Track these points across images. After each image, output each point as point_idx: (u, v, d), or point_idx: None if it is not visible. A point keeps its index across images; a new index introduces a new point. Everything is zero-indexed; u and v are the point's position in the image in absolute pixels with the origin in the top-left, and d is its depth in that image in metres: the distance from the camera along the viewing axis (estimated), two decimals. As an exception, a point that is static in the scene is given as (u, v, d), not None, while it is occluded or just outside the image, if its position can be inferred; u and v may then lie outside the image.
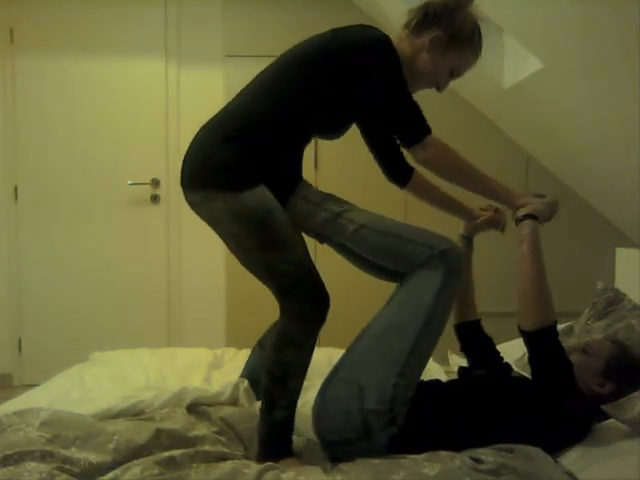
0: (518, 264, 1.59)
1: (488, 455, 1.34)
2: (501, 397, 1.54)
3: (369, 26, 1.59)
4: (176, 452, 1.38)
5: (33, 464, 1.27)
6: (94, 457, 1.33)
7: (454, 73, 1.67)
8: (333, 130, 1.70)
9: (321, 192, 1.67)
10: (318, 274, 1.57)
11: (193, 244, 3.71)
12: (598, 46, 2.06)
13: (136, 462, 1.32)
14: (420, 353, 1.52)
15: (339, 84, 1.55)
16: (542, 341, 1.53)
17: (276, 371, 1.53)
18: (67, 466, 1.29)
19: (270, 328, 1.88)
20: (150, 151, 3.65)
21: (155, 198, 3.66)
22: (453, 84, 3.25)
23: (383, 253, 1.59)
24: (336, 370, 1.57)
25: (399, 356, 1.49)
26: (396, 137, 1.62)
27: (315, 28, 3.75)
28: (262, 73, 1.65)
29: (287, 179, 1.63)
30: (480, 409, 1.51)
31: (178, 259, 3.71)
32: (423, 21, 1.61)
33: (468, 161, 1.60)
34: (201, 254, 3.71)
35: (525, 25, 2.33)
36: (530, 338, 1.55)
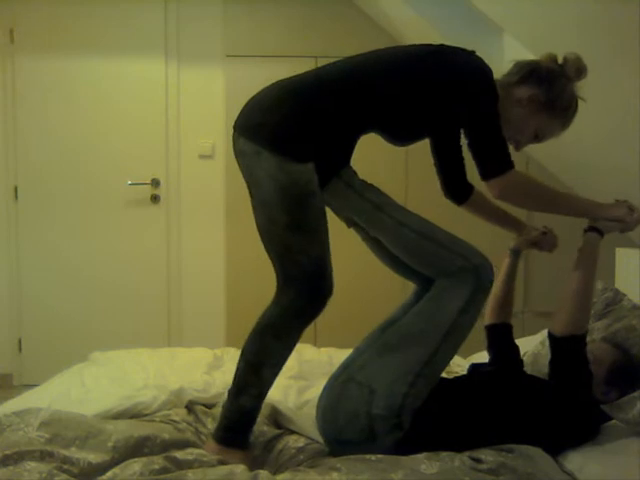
0: (570, 271, 1.59)
1: (488, 455, 1.34)
2: (511, 395, 1.53)
3: (477, 55, 1.61)
4: (175, 452, 1.39)
5: (33, 464, 1.27)
6: (93, 457, 1.33)
7: (538, 136, 1.66)
8: (403, 137, 1.67)
9: (364, 181, 1.65)
10: (330, 275, 1.52)
11: (193, 244, 3.71)
12: (598, 46, 2.06)
13: (135, 460, 1.32)
14: (435, 365, 1.50)
15: (439, 99, 1.54)
16: (569, 348, 1.53)
17: (252, 358, 1.50)
18: (66, 466, 1.29)
19: None
20: (150, 151, 3.65)
21: (155, 198, 3.66)
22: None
23: (416, 254, 1.57)
24: (347, 369, 1.56)
25: (414, 366, 1.48)
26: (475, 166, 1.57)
27: (315, 28, 3.77)
28: (359, 56, 1.61)
29: (337, 162, 1.59)
30: (488, 407, 1.50)
31: (178, 259, 3.71)
32: (527, 76, 1.61)
33: (546, 187, 1.59)
34: (201, 254, 3.71)
35: (525, 25, 2.32)
36: (558, 343, 1.54)
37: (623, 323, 1.90)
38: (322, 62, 3.57)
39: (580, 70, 1.63)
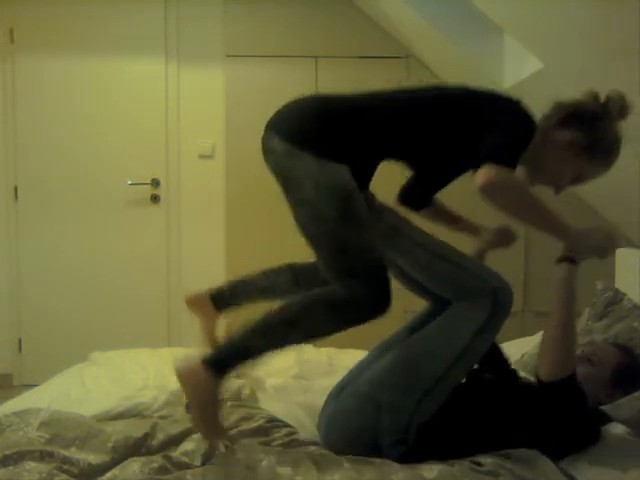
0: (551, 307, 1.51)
1: (487, 458, 1.35)
2: (512, 405, 1.51)
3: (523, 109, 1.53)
4: (173, 451, 1.39)
5: (32, 464, 1.27)
6: (93, 457, 1.33)
7: (579, 180, 1.60)
8: (428, 172, 1.66)
9: (381, 203, 1.64)
10: (387, 273, 1.45)
11: (193, 244, 3.71)
12: (598, 46, 2.06)
13: (134, 459, 1.33)
14: (445, 385, 1.49)
15: (472, 142, 1.47)
16: (559, 392, 1.46)
17: (293, 313, 1.42)
18: (66, 466, 1.29)
19: (309, 265, 1.73)
20: (150, 151, 3.65)
21: (155, 198, 3.66)
22: (454, 83, 3.26)
23: (433, 276, 1.56)
24: (354, 380, 1.55)
25: (423, 384, 1.47)
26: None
27: (315, 28, 3.77)
28: (411, 90, 1.60)
29: (363, 180, 1.56)
30: (491, 418, 1.49)
31: (178, 259, 3.71)
32: (568, 119, 1.54)
33: (539, 201, 1.47)
34: (201, 254, 3.71)
35: (525, 25, 2.32)
36: (547, 388, 1.47)
37: (624, 324, 1.90)
38: (322, 62, 3.58)
39: (624, 109, 1.53)
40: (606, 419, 1.49)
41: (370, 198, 1.61)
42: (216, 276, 3.67)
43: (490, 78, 2.79)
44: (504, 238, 1.79)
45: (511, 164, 1.41)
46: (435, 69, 3.50)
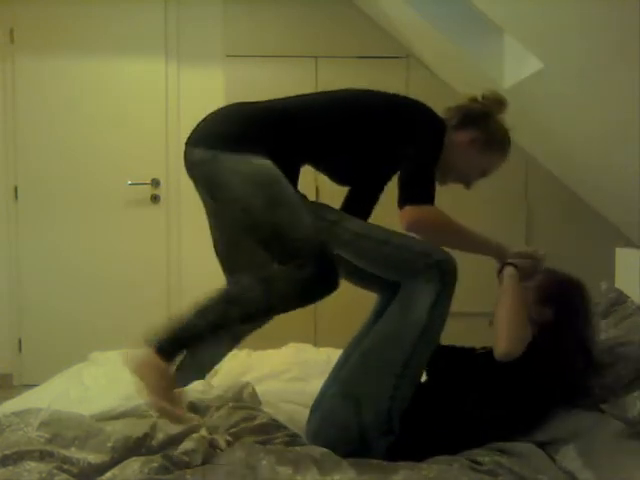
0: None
1: (485, 456, 1.35)
2: (485, 379, 1.55)
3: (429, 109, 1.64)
4: (173, 450, 1.39)
5: (32, 464, 1.27)
6: (93, 457, 1.33)
7: (485, 172, 1.74)
8: (344, 178, 1.74)
9: (314, 202, 1.69)
10: (330, 252, 1.48)
11: (193, 244, 3.70)
12: (598, 46, 2.06)
13: (134, 459, 1.33)
14: (415, 365, 1.53)
15: (388, 147, 1.60)
16: (513, 369, 1.51)
17: (233, 291, 1.48)
18: (66, 466, 1.29)
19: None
20: (150, 151, 3.65)
21: (155, 198, 3.66)
22: (454, 83, 3.26)
23: (379, 262, 1.60)
24: (333, 382, 1.59)
25: (395, 368, 1.50)
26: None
27: (315, 28, 3.76)
28: (321, 94, 1.71)
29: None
30: (468, 395, 1.53)
31: (178, 259, 3.71)
32: (464, 120, 1.67)
33: (458, 226, 1.58)
34: (201, 254, 3.70)
35: (525, 25, 2.32)
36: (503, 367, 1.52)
37: (629, 321, 1.90)
38: (322, 62, 3.58)
39: (501, 104, 1.69)
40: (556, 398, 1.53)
41: (300, 196, 1.64)
42: (216, 276, 3.67)
43: (490, 78, 2.79)
44: None
45: (429, 200, 1.53)
46: (435, 69, 3.51)
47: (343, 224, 1.60)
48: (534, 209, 3.60)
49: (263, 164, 1.48)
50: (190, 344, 1.47)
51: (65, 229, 3.65)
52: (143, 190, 3.65)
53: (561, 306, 1.62)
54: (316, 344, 2.60)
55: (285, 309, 1.48)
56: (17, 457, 1.29)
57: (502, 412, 1.49)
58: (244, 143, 1.50)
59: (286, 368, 2.20)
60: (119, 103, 3.63)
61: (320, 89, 3.52)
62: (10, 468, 1.26)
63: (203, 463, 1.36)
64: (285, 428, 1.58)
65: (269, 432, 1.54)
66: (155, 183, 3.65)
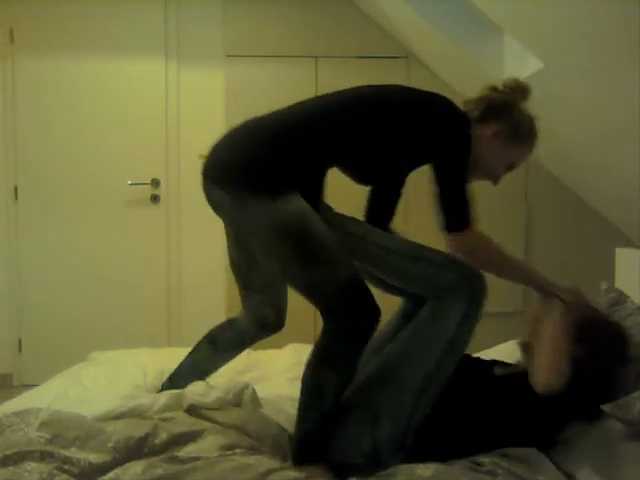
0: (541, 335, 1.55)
1: (484, 457, 1.35)
2: (502, 401, 1.51)
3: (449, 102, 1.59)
4: (176, 451, 1.38)
5: (33, 464, 1.27)
6: (94, 457, 1.33)
7: (512, 166, 1.67)
8: (366, 176, 1.70)
9: (342, 215, 1.66)
10: (366, 287, 1.49)
11: (193, 244, 3.71)
12: (598, 45, 2.06)
13: (137, 461, 1.32)
14: (437, 382, 1.50)
15: (410, 143, 1.57)
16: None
17: (311, 388, 1.49)
18: (67, 466, 1.29)
19: (224, 325, 1.86)
20: (150, 151, 3.64)
21: (155, 198, 3.66)
22: (454, 83, 3.26)
23: (408, 278, 1.58)
24: (347, 391, 1.54)
25: (417, 384, 1.48)
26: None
27: (315, 28, 3.76)
28: (332, 95, 1.63)
29: (313, 196, 1.57)
30: (483, 415, 1.49)
31: (178, 259, 3.71)
32: (485, 113, 1.61)
33: (503, 253, 1.59)
34: (201, 254, 3.71)
35: (525, 25, 2.32)
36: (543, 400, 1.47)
37: (630, 321, 1.90)
38: (322, 62, 3.58)
39: (524, 90, 1.62)
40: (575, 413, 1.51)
41: (327, 211, 1.63)
42: (216, 276, 3.67)
43: (490, 78, 2.78)
44: None
45: (469, 223, 1.53)
46: (435, 69, 3.51)
47: (372, 239, 1.59)
48: (534, 209, 3.60)
49: (292, 206, 1.45)
50: (318, 441, 1.49)
51: (65, 229, 3.65)
52: (143, 190, 3.65)
53: (593, 347, 1.55)
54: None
55: (355, 360, 1.50)
56: (17, 457, 1.29)
57: (519, 434, 1.45)
58: (267, 182, 1.46)
59: (286, 368, 2.20)
60: (119, 103, 3.62)
61: (320, 89, 3.52)
62: (10, 468, 1.26)
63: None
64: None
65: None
66: (155, 183, 3.65)
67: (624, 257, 2.66)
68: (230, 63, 3.58)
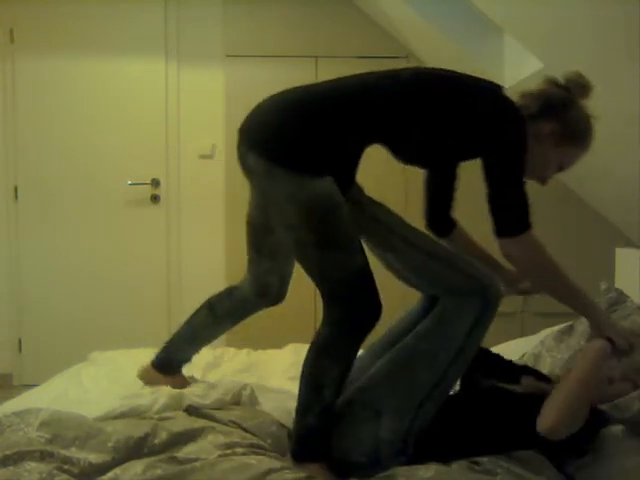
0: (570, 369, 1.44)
1: (484, 457, 1.35)
2: (506, 412, 1.46)
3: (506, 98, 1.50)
4: (176, 452, 1.38)
5: (33, 464, 1.27)
6: (94, 457, 1.33)
7: (563, 167, 1.59)
8: (411, 157, 1.61)
9: (371, 199, 1.62)
10: (374, 282, 1.46)
11: (193, 244, 3.71)
12: (598, 46, 2.06)
13: (137, 461, 1.32)
14: (444, 387, 1.48)
15: (462, 133, 1.48)
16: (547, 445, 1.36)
17: (311, 380, 1.48)
18: (67, 466, 1.29)
19: (224, 293, 1.83)
20: (150, 151, 3.65)
21: (155, 198, 3.66)
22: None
23: (426, 276, 1.56)
24: (349, 386, 1.53)
25: (423, 388, 1.46)
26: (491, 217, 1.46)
27: (315, 28, 3.76)
28: (378, 72, 1.54)
29: (349, 175, 1.54)
30: (486, 424, 1.44)
31: (178, 259, 3.71)
32: (541, 110, 1.51)
33: (559, 268, 1.47)
34: (201, 254, 3.71)
35: (525, 25, 2.32)
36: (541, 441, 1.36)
37: (629, 321, 1.90)
38: (322, 62, 3.58)
39: (585, 87, 1.51)
40: (604, 419, 1.47)
41: (359, 192, 1.61)
42: (216, 276, 3.67)
43: (490, 78, 2.78)
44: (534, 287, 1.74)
45: (526, 227, 1.42)
46: (435, 69, 3.50)
47: (397, 230, 1.57)
48: (534, 209, 3.59)
49: (322, 190, 1.41)
50: (319, 437, 1.48)
51: (65, 229, 3.65)
52: (143, 190, 3.65)
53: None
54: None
55: (355, 352, 1.49)
56: (17, 457, 1.29)
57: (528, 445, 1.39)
58: (303, 156, 1.41)
59: (286, 368, 2.20)
60: (119, 103, 3.63)
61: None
62: (10, 468, 1.26)
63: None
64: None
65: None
66: (155, 183, 3.65)
67: (624, 257, 2.66)
68: (230, 63, 3.59)
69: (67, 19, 3.57)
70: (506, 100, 1.49)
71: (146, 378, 1.88)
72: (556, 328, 2.07)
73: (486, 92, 1.51)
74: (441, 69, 1.54)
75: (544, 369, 1.94)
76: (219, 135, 3.60)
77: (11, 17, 3.54)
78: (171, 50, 3.61)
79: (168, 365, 1.88)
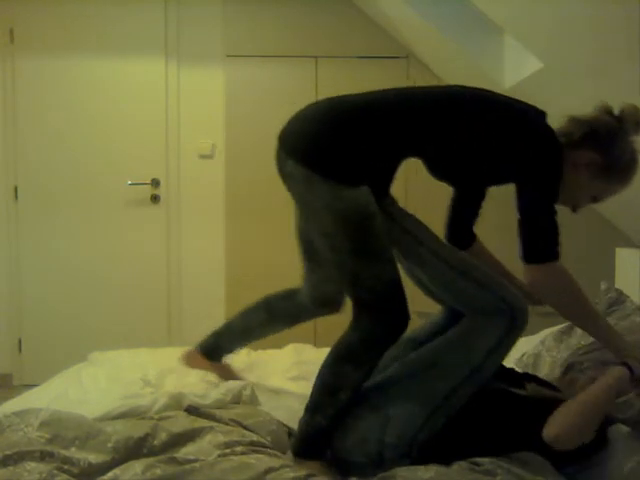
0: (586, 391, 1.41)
1: (484, 459, 1.34)
2: (513, 419, 1.46)
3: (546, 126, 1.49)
4: (175, 452, 1.38)
5: (33, 464, 1.27)
6: (94, 457, 1.33)
7: (597, 199, 1.55)
8: (444, 172, 1.62)
9: (403, 210, 1.63)
10: (404, 294, 1.48)
11: (193, 244, 3.71)
12: (598, 46, 2.06)
13: (136, 461, 1.32)
14: (454, 401, 1.47)
15: (498, 155, 1.49)
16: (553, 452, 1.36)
17: (329, 382, 1.49)
18: (67, 466, 1.29)
19: (283, 294, 1.85)
20: (150, 151, 3.65)
21: (155, 198, 3.66)
22: (454, 83, 3.25)
23: (452, 292, 1.56)
24: (361, 390, 1.53)
25: (434, 400, 1.46)
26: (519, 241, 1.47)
27: (315, 28, 3.76)
28: (419, 87, 1.59)
29: (384, 185, 1.56)
30: (492, 432, 1.44)
31: (178, 259, 3.71)
32: (584, 138, 1.48)
33: (583, 297, 1.47)
34: (201, 254, 3.71)
35: (525, 25, 2.32)
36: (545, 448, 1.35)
37: (628, 322, 1.90)
38: (322, 62, 3.57)
39: (639, 123, 1.47)
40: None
41: (391, 204, 1.61)
42: (216, 276, 3.67)
43: (490, 78, 2.79)
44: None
45: (554, 256, 1.42)
46: (435, 69, 3.51)
47: (426, 241, 1.56)
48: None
49: (358, 200, 1.42)
50: (324, 437, 1.49)
51: (65, 229, 3.65)
52: (143, 190, 3.65)
53: None
54: (316, 344, 2.60)
55: (377, 361, 1.51)
56: (17, 457, 1.29)
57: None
58: (341, 165, 1.42)
59: (286, 368, 2.20)
60: (119, 103, 3.63)
61: (320, 89, 3.52)
62: (10, 468, 1.26)
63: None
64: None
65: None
66: (155, 183, 3.65)
67: (624, 257, 2.66)
68: (230, 63, 3.59)
69: (67, 19, 3.56)
70: (545, 128, 1.48)
71: (190, 362, 1.92)
72: (556, 328, 2.07)
73: (526, 118, 1.50)
74: (486, 90, 1.55)
75: (544, 369, 1.94)
76: (219, 135, 3.60)
77: (11, 17, 3.54)
78: (171, 50, 3.61)
79: (214, 352, 1.92)
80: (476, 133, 1.48)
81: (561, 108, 2.70)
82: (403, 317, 1.47)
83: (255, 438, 1.49)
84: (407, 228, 1.58)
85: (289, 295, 1.84)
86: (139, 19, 3.60)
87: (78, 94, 3.61)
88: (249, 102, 3.57)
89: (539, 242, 1.43)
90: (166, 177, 3.65)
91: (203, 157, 3.65)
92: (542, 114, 1.52)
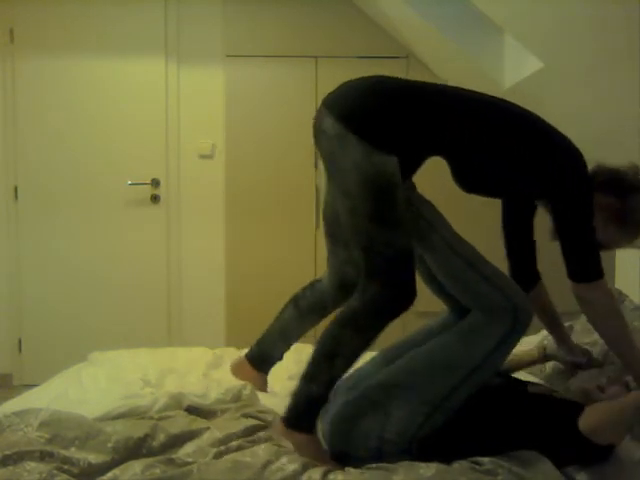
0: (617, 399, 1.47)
1: (485, 457, 1.35)
2: (517, 416, 1.48)
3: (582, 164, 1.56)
4: (174, 453, 1.38)
5: (32, 464, 1.27)
6: (93, 457, 1.33)
7: (606, 245, 1.61)
8: (471, 183, 1.64)
9: (420, 195, 1.64)
10: (414, 270, 1.49)
11: (193, 244, 3.71)
12: (598, 46, 2.06)
13: (136, 461, 1.32)
14: (455, 400, 1.48)
15: (531, 175, 1.54)
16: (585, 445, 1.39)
17: (328, 345, 1.49)
18: (66, 466, 1.29)
19: (307, 286, 1.86)
20: (150, 151, 3.65)
21: (155, 198, 3.66)
22: (454, 83, 3.25)
23: (459, 282, 1.56)
24: (363, 382, 1.54)
25: (435, 397, 1.46)
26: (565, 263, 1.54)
27: (315, 28, 3.76)
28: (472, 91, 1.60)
29: (409, 169, 1.56)
30: (495, 429, 1.45)
31: (178, 259, 3.71)
32: (608, 182, 1.58)
33: (624, 318, 1.56)
34: (201, 254, 3.71)
35: (525, 25, 2.32)
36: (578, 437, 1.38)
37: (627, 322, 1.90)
38: (322, 62, 3.58)
39: None
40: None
41: (411, 188, 1.62)
42: (216, 276, 3.67)
43: (490, 78, 2.79)
44: (586, 363, 1.82)
45: (600, 274, 1.50)
46: (435, 69, 3.51)
47: (440, 230, 1.57)
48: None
49: (386, 166, 1.44)
50: (316, 408, 1.50)
51: (65, 229, 3.65)
52: (143, 190, 3.65)
53: None
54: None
55: (378, 332, 1.50)
56: (17, 457, 1.29)
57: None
58: (377, 132, 1.45)
59: (286, 367, 2.20)
60: (119, 103, 3.63)
61: (320, 89, 3.52)
62: (10, 468, 1.26)
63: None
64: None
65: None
66: (155, 183, 3.65)
67: (624, 257, 2.65)
68: (230, 63, 3.58)
69: (67, 19, 3.56)
70: (579, 155, 1.57)
71: (239, 373, 1.92)
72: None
73: (562, 143, 1.57)
74: (530, 112, 1.59)
75: (545, 369, 1.94)
76: (219, 135, 3.60)
77: (11, 17, 3.54)
78: (171, 50, 3.61)
79: (262, 361, 1.93)
80: (511, 147, 1.52)
81: (561, 108, 2.71)
82: (409, 291, 1.47)
83: (255, 422, 1.51)
84: (423, 213, 1.59)
85: (312, 284, 1.87)
86: (139, 19, 3.60)
87: (78, 94, 3.61)
88: (249, 102, 3.57)
89: (587, 261, 1.50)
90: (166, 177, 3.65)
91: (203, 157, 3.65)
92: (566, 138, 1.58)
